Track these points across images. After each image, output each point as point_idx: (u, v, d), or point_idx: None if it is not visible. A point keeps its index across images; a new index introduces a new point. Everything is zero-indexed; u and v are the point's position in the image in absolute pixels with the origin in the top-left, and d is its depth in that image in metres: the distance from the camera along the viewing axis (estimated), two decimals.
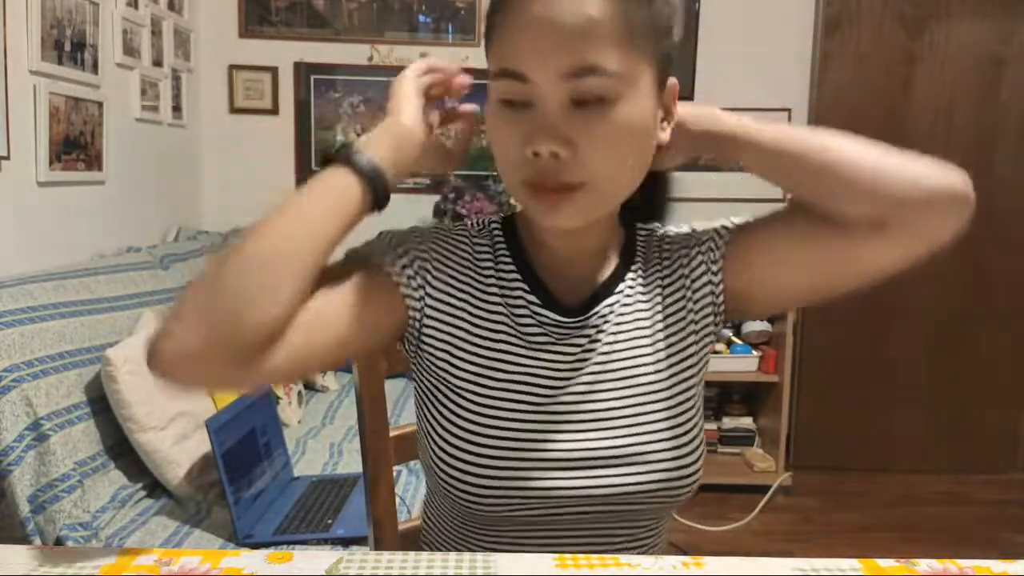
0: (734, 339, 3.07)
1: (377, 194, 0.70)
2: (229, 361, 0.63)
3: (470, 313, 0.79)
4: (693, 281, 0.82)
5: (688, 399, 0.82)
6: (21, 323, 1.51)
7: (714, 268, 0.81)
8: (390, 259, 0.77)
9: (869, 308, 3.23)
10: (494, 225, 0.85)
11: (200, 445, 1.73)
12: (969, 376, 3.25)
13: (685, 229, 0.87)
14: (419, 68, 0.79)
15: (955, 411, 3.26)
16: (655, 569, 0.61)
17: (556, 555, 0.63)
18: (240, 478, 1.65)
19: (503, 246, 0.83)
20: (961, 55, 3.11)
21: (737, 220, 0.83)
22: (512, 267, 0.81)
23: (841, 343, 3.24)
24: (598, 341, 0.79)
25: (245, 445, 1.72)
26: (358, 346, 0.75)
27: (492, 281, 0.81)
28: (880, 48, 3.11)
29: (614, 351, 0.80)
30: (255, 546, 1.56)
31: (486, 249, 0.82)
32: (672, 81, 0.76)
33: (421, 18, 3.11)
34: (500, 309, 0.79)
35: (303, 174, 3.14)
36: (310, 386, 2.54)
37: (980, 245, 3.18)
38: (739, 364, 2.98)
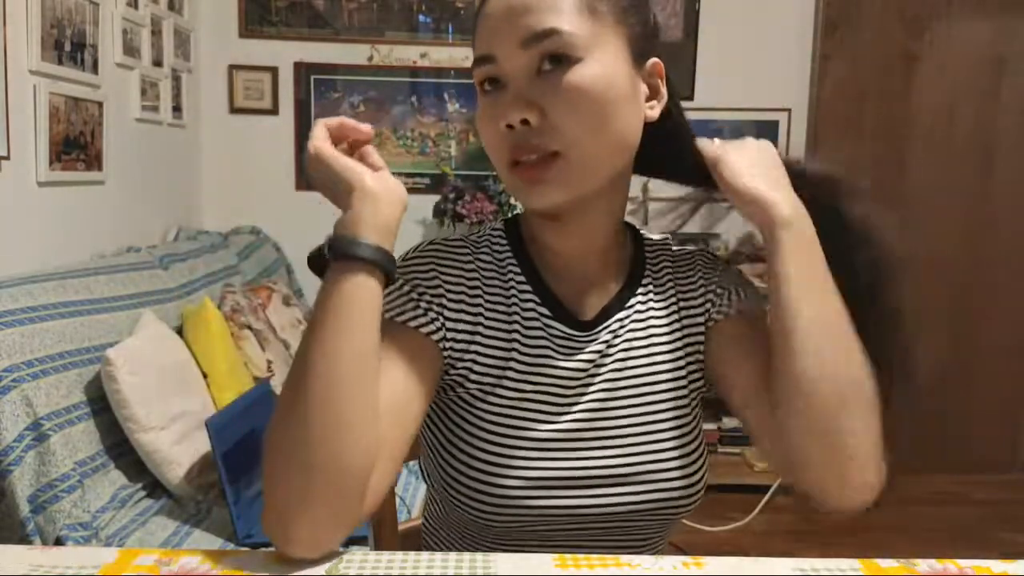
0: None
1: (389, 274, 0.66)
2: (357, 506, 0.62)
3: (483, 334, 0.78)
4: (705, 302, 0.82)
5: (696, 414, 0.82)
6: (21, 323, 1.50)
7: (713, 313, 0.82)
8: (411, 311, 0.75)
9: None
10: (496, 232, 0.83)
11: (200, 445, 1.73)
12: (969, 375, 3.24)
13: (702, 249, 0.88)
14: (321, 137, 0.69)
15: (955, 411, 3.26)
16: (655, 569, 0.61)
17: (556, 555, 0.63)
18: (240, 478, 1.65)
19: (509, 254, 0.81)
20: (961, 55, 3.11)
21: (758, 298, 0.82)
22: (522, 277, 0.80)
23: None
24: (609, 356, 0.79)
25: (245, 445, 1.72)
26: (428, 405, 0.75)
27: (499, 294, 0.79)
28: (880, 48, 3.11)
29: (627, 367, 0.79)
30: (255, 546, 1.56)
31: (489, 259, 0.81)
32: (655, 60, 0.76)
33: (421, 18, 3.11)
34: (510, 323, 0.78)
35: (303, 174, 3.14)
36: None
37: (980, 244, 3.19)
38: None
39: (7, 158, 1.81)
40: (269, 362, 2.24)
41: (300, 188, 3.14)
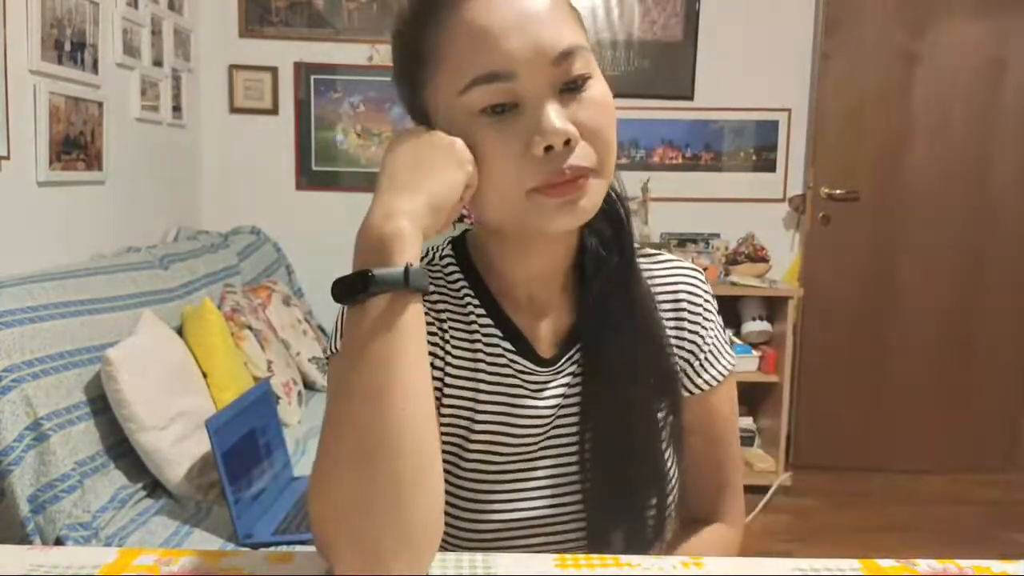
0: (734, 339, 3.06)
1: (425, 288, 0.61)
2: (439, 530, 0.60)
3: (451, 363, 0.75)
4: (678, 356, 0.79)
5: (667, 440, 0.79)
6: (21, 323, 1.50)
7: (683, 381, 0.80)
8: None
9: (869, 308, 3.23)
10: (446, 257, 0.78)
11: (200, 445, 1.73)
12: (969, 376, 3.25)
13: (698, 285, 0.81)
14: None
15: (955, 411, 3.26)
16: (655, 569, 0.61)
17: (556, 555, 0.63)
18: (240, 478, 1.65)
19: (463, 282, 0.76)
20: (961, 55, 3.11)
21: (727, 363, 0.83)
22: (482, 309, 0.75)
23: (841, 343, 3.24)
24: (576, 389, 0.76)
25: (245, 445, 1.72)
26: None
27: (462, 327, 0.75)
28: (880, 48, 3.11)
29: (596, 401, 0.75)
30: (255, 546, 1.56)
31: (444, 285, 0.77)
32: None
33: None
34: (474, 359, 0.75)
35: (303, 175, 3.14)
36: (310, 386, 2.54)
37: (980, 245, 3.19)
38: (739, 364, 2.96)
39: (7, 158, 1.81)
40: (269, 362, 2.24)
41: (300, 188, 3.14)
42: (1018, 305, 3.22)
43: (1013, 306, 3.22)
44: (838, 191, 3.15)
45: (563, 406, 0.76)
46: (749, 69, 3.17)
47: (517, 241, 0.73)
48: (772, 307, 3.04)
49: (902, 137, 3.15)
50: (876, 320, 3.23)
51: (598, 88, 0.67)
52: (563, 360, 0.76)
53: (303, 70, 3.09)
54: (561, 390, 0.76)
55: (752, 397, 3.19)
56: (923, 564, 0.63)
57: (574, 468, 0.76)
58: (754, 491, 2.87)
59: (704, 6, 3.14)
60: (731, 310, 3.13)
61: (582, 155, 0.65)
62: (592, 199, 0.67)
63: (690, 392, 0.81)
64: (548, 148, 0.64)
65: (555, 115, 0.64)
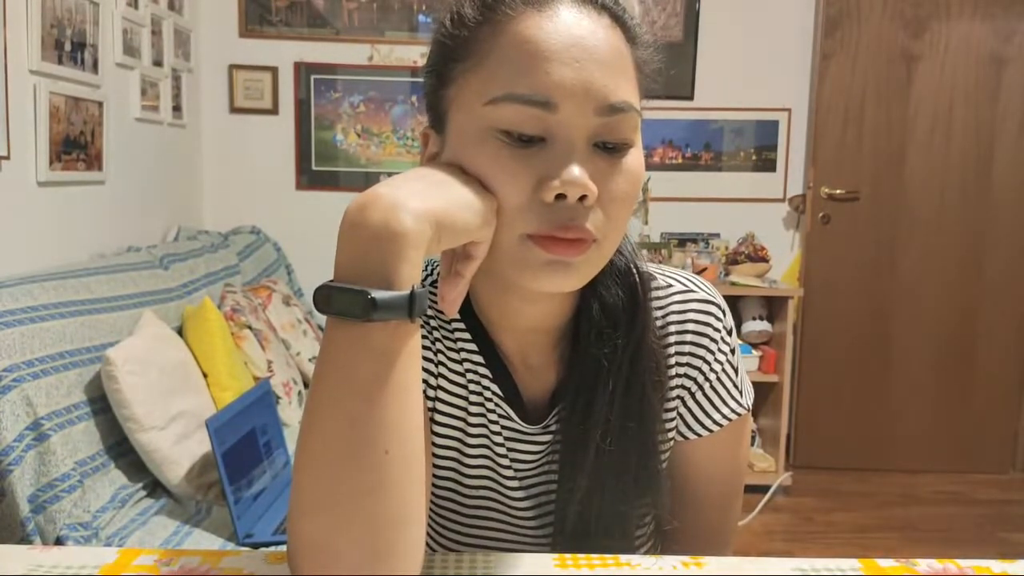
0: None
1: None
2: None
3: (442, 398, 0.72)
4: (677, 398, 0.74)
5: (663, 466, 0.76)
6: (21, 323, 1.50)
7: (681, 427, 0.75)
8: None
9: (869, 308, 3.23)
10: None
11: (200, 445, 1.73)
12: (969, 376, 3.24)
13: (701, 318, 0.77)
14: None
15: (955, 411, 3.26)
16: (655, 569, 0.61)
17: (556, 555, 0.63)
18: (240, 478, 1.65)
19: (458, 317, 0.71)
20: (961, 55, 3.11)
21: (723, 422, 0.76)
22: (473, 345, 0.71)
23: (841, 343, 3.24)
24: (557, 455, 0.72)
25: (245, 445, 1.72)
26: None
27: (455, 362, 0.72)
28: (880, 48, 3.11)
29: (584, 447, 0.70)
30: (255, 546, 1.56)
31: (437, 316, 0.73)
32: None
33: (421, 18, 3.11)
34: (467, 396, 0.72)
35: (303, 175, 3.14)
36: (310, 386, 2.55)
37: (980, 245, 3.19)
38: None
39: (7, 158, 1.81)
40: (269, 362, 2.24)
41: (300, 188, 3.14)
42: (1018, 305, 3.22)
43: (1013, 306, 3.22)
44: (838, 191, 3.15)
45: (548, 462, 0.73)
46: (749, 69, 3.18)
47: (503, 289, 0.67)
48: (772, 307, 3.05)
49: (902, 137, 3.16)
50: (876, 320, 3.23)
51: (634, 159, 0.61)
52: (552, 412, 0.72)
53: (303, 70, 3.09)
54: (545, 447, 0.73)
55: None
56: (923, 564, 0.63)
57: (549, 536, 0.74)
58: (754, 491, 2.87)
59: (704, 6, 3.14)
60: (731, 310, 3.14)
61: (592, 220, 0.59)
62: (587, 269, 0.61)
63: (684, 437, 0.76)
64: (560, 196, 0.57)
65: (579, 166, 0.57)
